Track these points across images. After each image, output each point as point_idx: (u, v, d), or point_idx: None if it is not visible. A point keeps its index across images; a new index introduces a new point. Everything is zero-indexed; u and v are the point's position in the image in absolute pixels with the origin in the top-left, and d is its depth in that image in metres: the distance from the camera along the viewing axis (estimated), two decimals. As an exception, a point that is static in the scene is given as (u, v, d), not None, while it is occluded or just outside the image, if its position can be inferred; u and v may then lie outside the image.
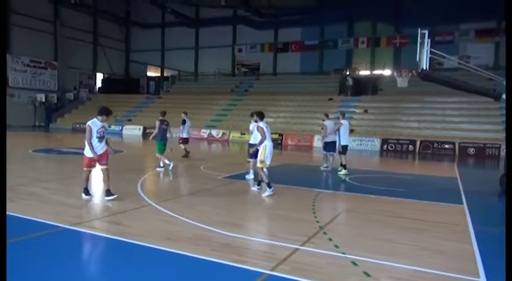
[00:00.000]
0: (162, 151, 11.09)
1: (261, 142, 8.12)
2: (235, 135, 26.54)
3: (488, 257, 4.69)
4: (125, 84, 40.73)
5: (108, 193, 7.04)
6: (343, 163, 11.66)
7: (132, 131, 29.83)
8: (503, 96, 9.11)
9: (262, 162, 8.12)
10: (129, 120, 31.77)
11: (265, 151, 8.07)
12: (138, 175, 10.00)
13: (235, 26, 38.39)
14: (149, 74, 44.70)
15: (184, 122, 14.40)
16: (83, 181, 7.14)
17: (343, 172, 11.52)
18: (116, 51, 43.99)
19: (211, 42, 39.20)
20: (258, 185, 8.58)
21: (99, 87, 42.02)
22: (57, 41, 37.27)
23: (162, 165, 11.11)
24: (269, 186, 8.05)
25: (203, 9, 39.03)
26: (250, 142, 9.85)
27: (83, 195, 7.08)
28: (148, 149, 15.97)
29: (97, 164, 7.14)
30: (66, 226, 5.35)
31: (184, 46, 40.70)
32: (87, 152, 7.01)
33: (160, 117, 11.33)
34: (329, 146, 12.23)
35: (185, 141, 14.46)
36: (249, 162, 10.11)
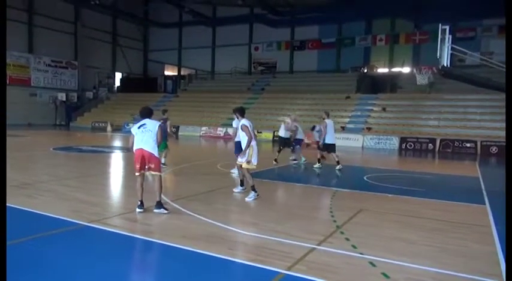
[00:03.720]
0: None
1: (249, 142, 7.33)
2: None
3: (513, 259, 4.54)
4: (143, 83, 41.32)
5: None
6: (319, 157, 12.50)
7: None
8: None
9: (249, 163, 7.43)
10: (147, 118, 32.15)
11: (252, 151, 7.39)
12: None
13: (252, 25, 38.38)
14: (167, 73, 45.18)
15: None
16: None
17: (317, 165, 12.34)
18: (134, 51, 44.59)
19: (228, 41, 39.30)
20: (242, 185, 7.97)
21: (117, 87, 42.71)
22: (77, 41, 38.03)
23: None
24: (254, 189, 7.42)
25: (220, 8, 39.16)
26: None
27: None
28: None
29: None
30: (85, 223, 5.43)
31: (201, 45, 40.90)
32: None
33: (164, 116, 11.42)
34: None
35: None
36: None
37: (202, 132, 28.48)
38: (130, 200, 6.83)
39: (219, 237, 5.05)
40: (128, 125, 31.36)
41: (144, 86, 39.69)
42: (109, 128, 30.69)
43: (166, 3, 36.54)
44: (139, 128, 6.26)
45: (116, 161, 13.82)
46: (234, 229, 5.39)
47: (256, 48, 37.09)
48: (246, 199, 7.41)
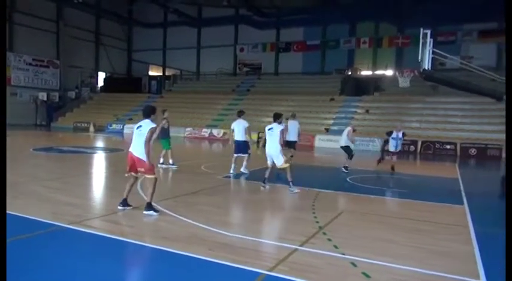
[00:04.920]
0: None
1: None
2: (236, 134, 26.51)
3: (489, 258, 4.66)
4: (126, 84, 40.77)
5: None
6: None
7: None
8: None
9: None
10: (130, 119, 31.77)
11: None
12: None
13: (237, 26, 38.37)
14: (151, 73, 44.73)
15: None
16: None
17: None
18: (118, 51, 44.03)
19: (213, 42, 39.17)
20: (290, 186, 8.58)
21: (101, 86, 42.08)
22: (60, 40, 37.33)
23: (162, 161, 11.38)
24: (264, 181, 8.70)
25: (205, 8, 39.03)
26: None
27: None
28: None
29: None
30: (65, 225, 5.33)
31: (186, 45, 40.67)
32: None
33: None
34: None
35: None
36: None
37: (186, 133, 28.32)
38: (112, 201, 6.75)
39: (200, 238, 5.03)
40: (110, 126, 30.99)
41: (128, 86, 39.18)
42: (92, 128, 30.24)
43: (151, 3, 36.26)
44: (137, 128, 6.32)
45: (98, 162, 13.62)
46: (215, 230, 5.38)
47: (242, 50, 37.06)
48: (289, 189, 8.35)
